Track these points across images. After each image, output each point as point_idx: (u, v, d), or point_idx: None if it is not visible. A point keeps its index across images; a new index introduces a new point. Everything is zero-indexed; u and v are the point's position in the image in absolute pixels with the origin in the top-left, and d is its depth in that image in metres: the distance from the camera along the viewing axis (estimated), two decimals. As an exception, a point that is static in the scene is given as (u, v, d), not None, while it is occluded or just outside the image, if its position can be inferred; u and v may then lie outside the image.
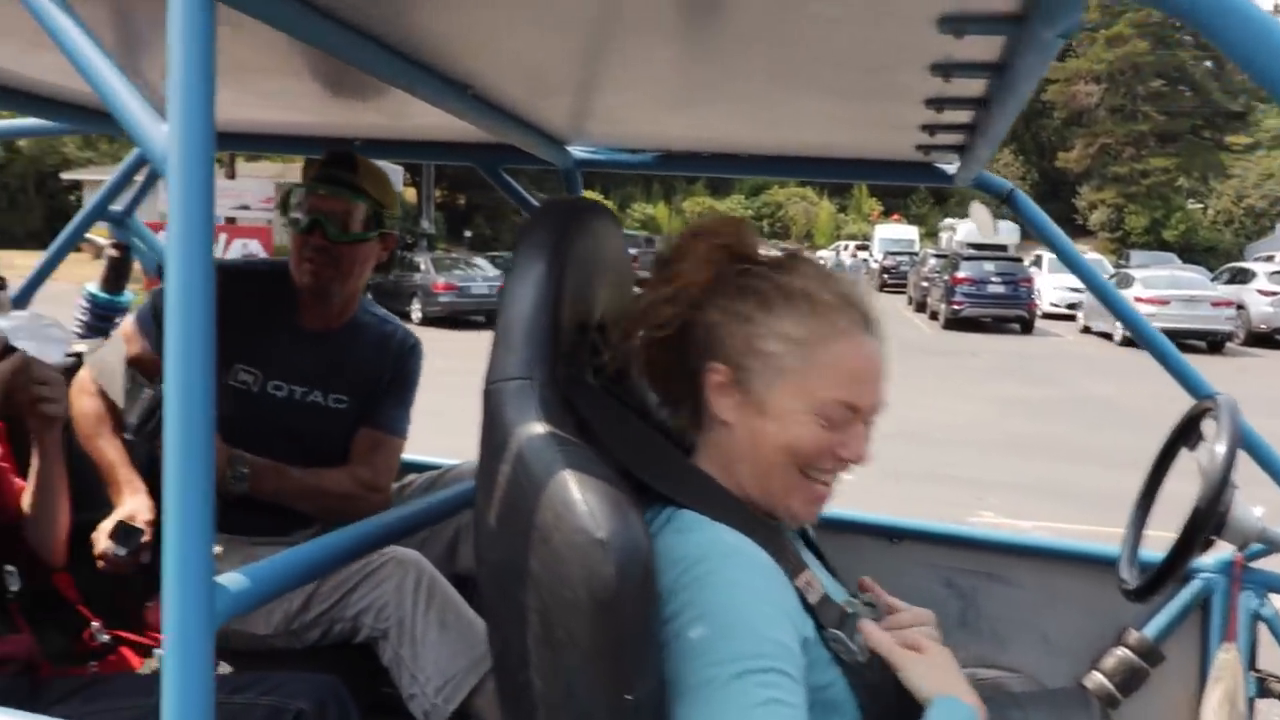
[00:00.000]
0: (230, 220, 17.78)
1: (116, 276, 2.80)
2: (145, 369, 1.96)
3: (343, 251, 2.09)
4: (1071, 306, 22.96)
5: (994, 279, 20.98)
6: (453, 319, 18.41)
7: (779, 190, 49.63)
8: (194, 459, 0.89)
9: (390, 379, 2.23)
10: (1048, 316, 23.11)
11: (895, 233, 39.29)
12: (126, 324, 2.18)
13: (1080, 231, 47.44)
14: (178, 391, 0.91)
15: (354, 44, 1.30)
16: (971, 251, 23.08)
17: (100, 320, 2.82)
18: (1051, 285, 23.50)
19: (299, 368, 2.15)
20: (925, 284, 24.23)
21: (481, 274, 20.01)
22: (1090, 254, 28.79)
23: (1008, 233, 35.16)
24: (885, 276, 32.34)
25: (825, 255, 34.10)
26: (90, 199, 2.88)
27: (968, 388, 12.96)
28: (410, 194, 26.74)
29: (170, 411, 0.90)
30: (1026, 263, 23.36)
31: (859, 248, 43.37)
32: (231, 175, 20.63)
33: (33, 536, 1.74)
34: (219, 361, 1.94)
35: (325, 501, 2.09)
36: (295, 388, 2.14)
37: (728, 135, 2.17)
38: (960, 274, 21.21)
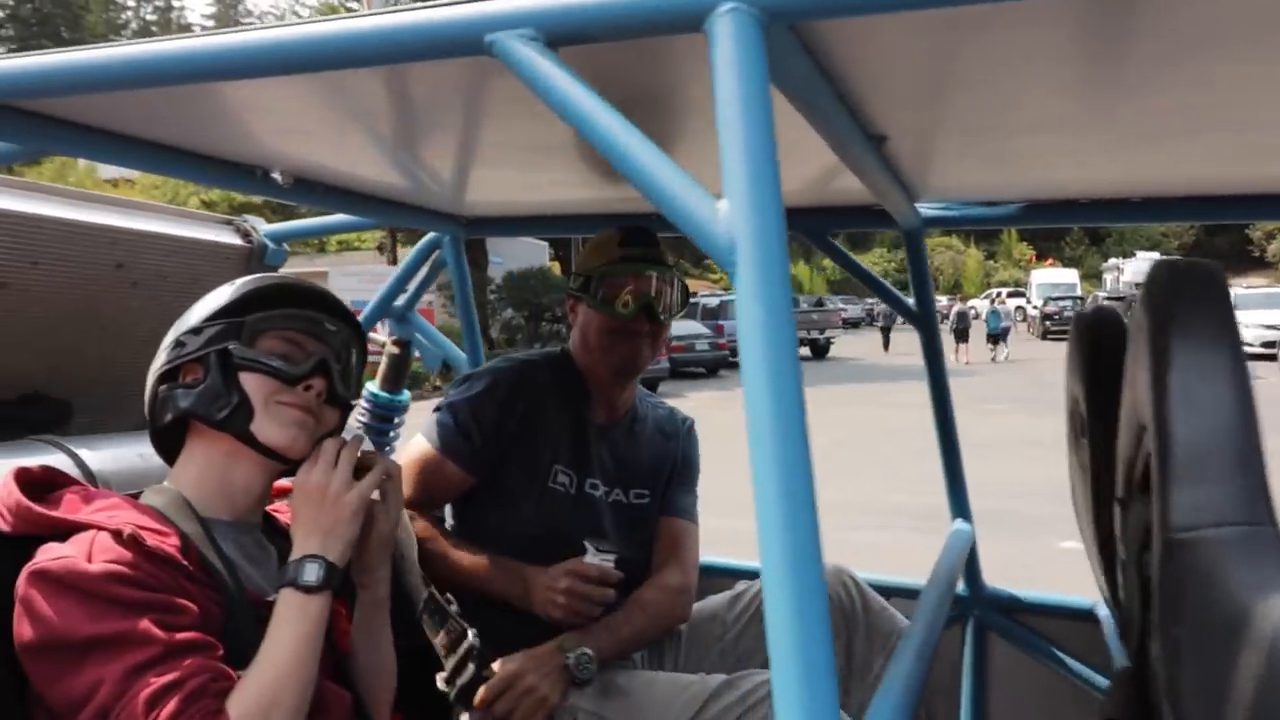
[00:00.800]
0: (394, 304, 18.34)
1: (397, 375, 2.64)
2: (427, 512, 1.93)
3: (659, 331, 1.98)
4: (1269, 345, 21.15)
5: (1180, 320, 19.53)
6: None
7: (923, 241, 48.39)
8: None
9: (679, 463, 2.12)
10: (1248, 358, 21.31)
11: (1054, 277, 37.56)
12: (416, 452, 1.95)
13: (1256, 264, 44.31)
14: (781, 494, 0.76)
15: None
16: (1150, 292, 21.60)
17: (380, 421, 2.66)
18: (1246, 323, 21.75)
19: (603, 464, 2.00)
20: (1098, 329, 22.78)
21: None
22: (1268, 288, 26.65)
23: (1180, 270, 33.03)
24: (1047, 323, 30.85)
25: (977, 304, 32.78)
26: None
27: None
28: (555, 267, 27.24)
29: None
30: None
31: (1011, 294, 41.75)
32: (393, 261, 21.47)
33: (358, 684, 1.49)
34: (541, 462, 1.83)
35: (655, 634, 1.94)
36: (602, 485, 2.00)
37: (1114, 177, 1.84)
38: (1141, 316, 19.86)
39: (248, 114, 1.42)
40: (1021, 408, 15.10)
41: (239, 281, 1.43)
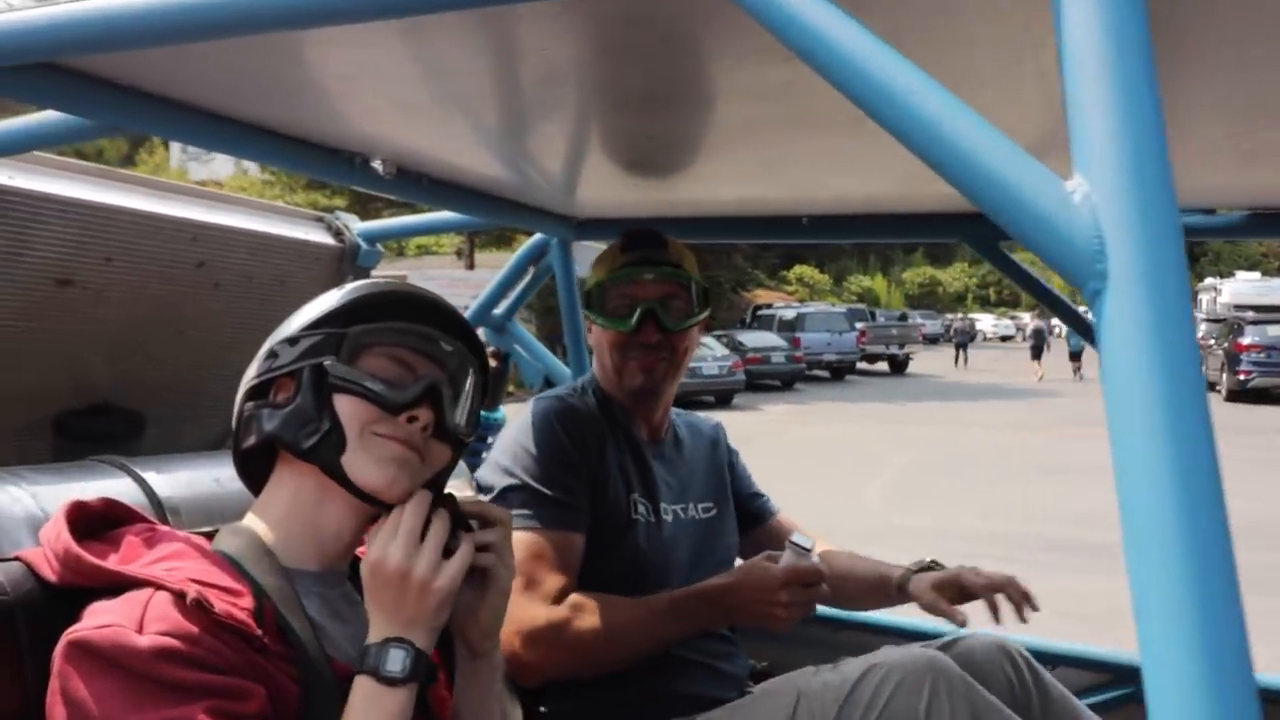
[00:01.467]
0: (467, 309, 18.39)
1: (493, 390, 2.41)
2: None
3: (675, 342, 1.76)
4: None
5: (1289, 344, 18.57)
6: (682, 401, 18.17)
7: (1005, 256, 47.14)
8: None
9: (734, 465, 2.01)
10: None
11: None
12: (525, 548, 1.59)
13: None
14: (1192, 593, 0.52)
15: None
16: (1256, 315, 20.65)
17: (475, 440, 2.43)
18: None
19: (667, 485, 1.82)
20: (1196, 352, 21.82)
21: (711, 353, 19.77)
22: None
23: (1283, 291, 31.55)
24: (1136, 344, 29.57)
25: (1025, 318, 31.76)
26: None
27: (1290, 473, 11.14)
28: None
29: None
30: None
31: (1097, 313, 40.24)
32: (471, 266, 21.55)
33: None
34: (620, 496, 1.70)
35: None
36: (671, 507, 1.80)
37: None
38: (1245, 340, 18.94)
39: (341, 87, 1.20)
40: (1116, 432, 14.37)
41: (349, 286, 1.19)
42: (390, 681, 1.01)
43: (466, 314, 2.38)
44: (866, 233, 2.06)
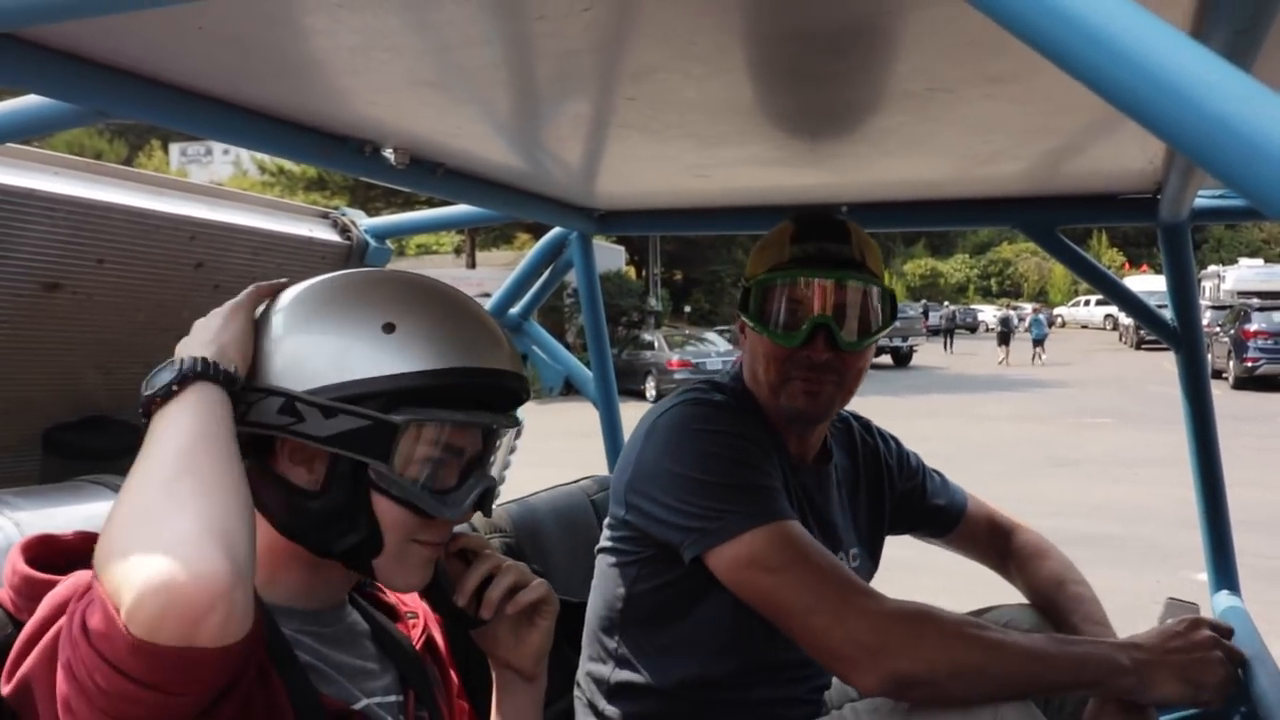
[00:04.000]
0: (472, 308, 18.26)
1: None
2: None
3: (849, 362, 1.48)
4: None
5: (1296, 331, 18.46)
6: (688, 396, 18.10)
7: (1006, 246, 46.97)
8: None
9: (893, 468, 1.74)
10: (1362, 371, 20.01)
11: (1148, 285, 36.05)
12: (783, 541, 1.35)
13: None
14: None
15: None
16: (1262, 302, 20.53)
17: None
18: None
19: (813, 523, 1.54)
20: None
21: (714, 348, 19.68)
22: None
23: (1287, 277, 31.38)
24: (1142, 333, 29.60)
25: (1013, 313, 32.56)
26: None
27: (1300, 461, 11.00)
28: (630, 273, 26.98)
29: None
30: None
31: (1100, 302, 40.21)
32: (472, 265, 21.40)
33: None
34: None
35: None
36: (851, 551, 1.60)
37: None
38: (1252, 326, 18.83)
39: (347, 66, 1.07)
40: (1124, 422, 14.26)
41: (414, 342, 0.95)
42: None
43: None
44: (914, 220, 1.92)
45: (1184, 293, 1.73)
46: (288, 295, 1.03)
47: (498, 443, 1.03)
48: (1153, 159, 1.44)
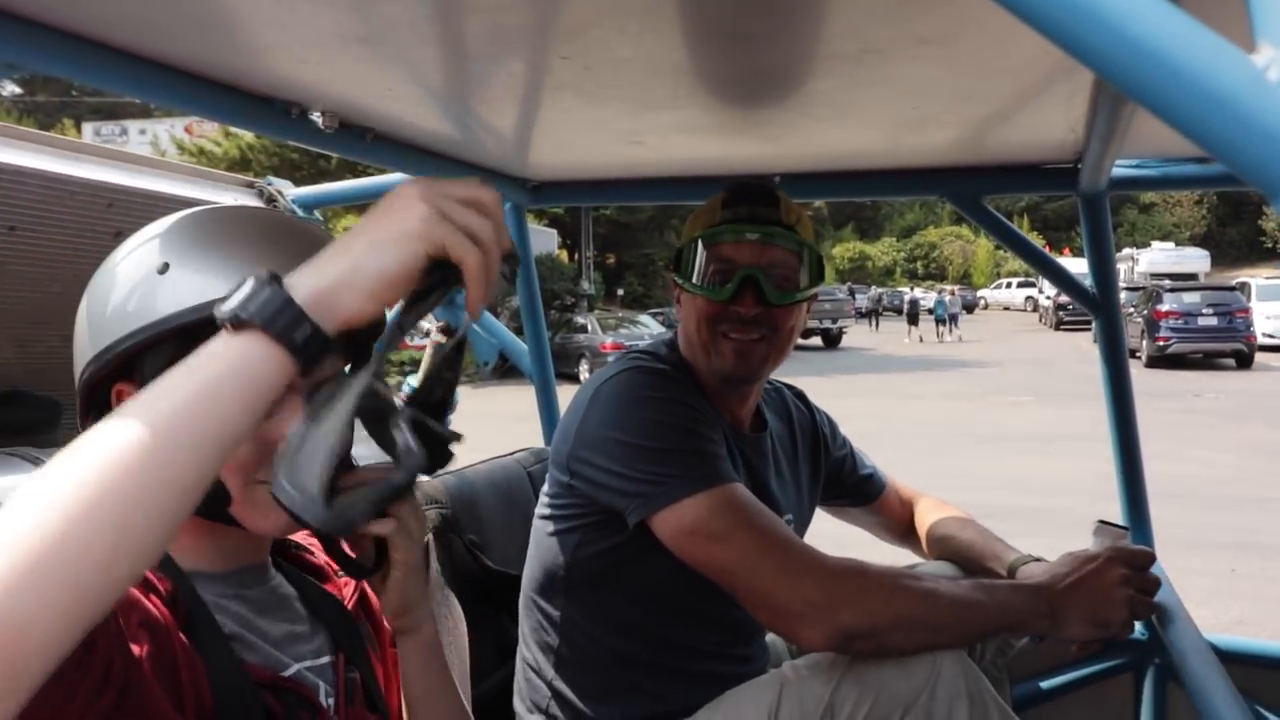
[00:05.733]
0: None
1: (448, 368, 2.25)
2: None
3: (778, 318, 1.50)
4: (1282, 336, 20.78)
5: (1204, 311, 19.20)
6: (621, 380, 18.14)
7: (932, 230, 47.92)
8: None
9: (828, 450, 1.78)
10: (1263, 349, 20.94)
11: (1072, 266, 37.19)
12: (727, 503, 1.36)
13: (1269, 255, 43.83)
14: None
15: None
16: (1173, 283, 21.30)
17: (425, 422, 2.27)
18: (1264, 315, 21.33)
19: (750, 488, 1.54)
20: (1118, 320, 22.48)
21: (648, 331, 19.72)
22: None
23: (1196, 259, 32.64)
24: (1061, 314, 30.59)
25: (922, 295, 34.05)
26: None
27: (1207, 434, 11.50)
28: (562, 256, 26.85)
29: None
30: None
31: (1021, 284, 41.29)
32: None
33: None
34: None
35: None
36: (785, 517, 1.59)
37: None
38: (1164, 307, 19.55)
39: (272, 22, 1.04)
40: (1045, 400, 14.72)
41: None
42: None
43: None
44: (845, 190, 1.95)
45: (1102, 261, 1.79)
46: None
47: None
48: (1074, 127, 1.49)
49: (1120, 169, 1.68)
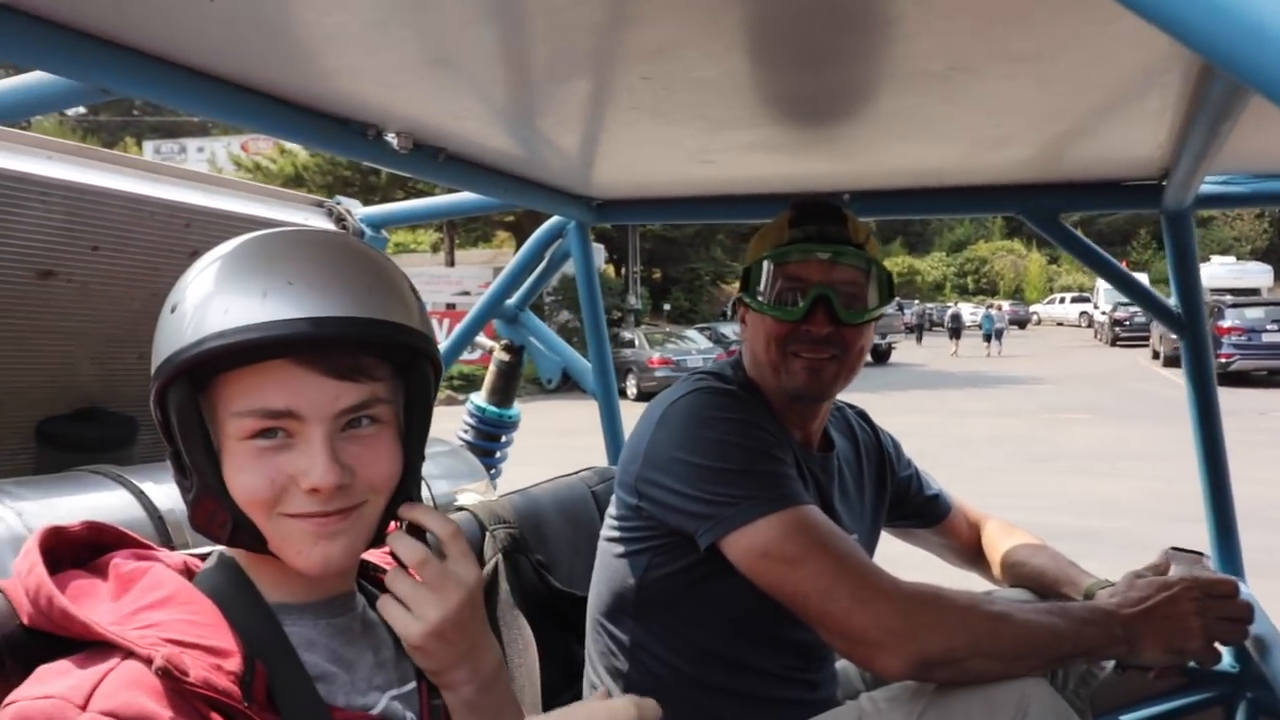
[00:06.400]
0: (450, 306, 18.21)
1: (506, 386, 2.26)
2: None
3: (849, 338, 1.49)
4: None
5: (1269, 326, 18.69)
6: (666, 395, 18.12)
7: (983, 245, 47.31)
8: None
9: (887, 457, 1.75)
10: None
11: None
12: (796, 527, 1.32)
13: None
14: None
15: None
16: (1235, 298, 20.79)
17: (485, 439, 2.28)
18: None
19: (844, 513, 1.56)
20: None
21: (695, 346, 19.72)
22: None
23: (1259, 274, 31.78)
24: (1117, 329, 29.96)
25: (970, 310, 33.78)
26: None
27: (1275, 454, 11.14)
28: (609, 271, 26.94)
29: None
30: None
31: (1075, 299, 40.55)
32: (451, 263, 21.29)
33: None
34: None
35: None
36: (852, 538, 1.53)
37: None
38: (1226, 323, 19.05)
39: (349, 45, 1.05)
40: (1103, 417, 14.40)
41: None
42: None
43: (476, 306, 2.23)
44: (915, 208, 1.92)
45: (1187, 278, 1.74)
46: None
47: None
48: (1161, 143, 1.44)
49: (1207, 185, 1.63)
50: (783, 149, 1.57)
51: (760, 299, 1.50)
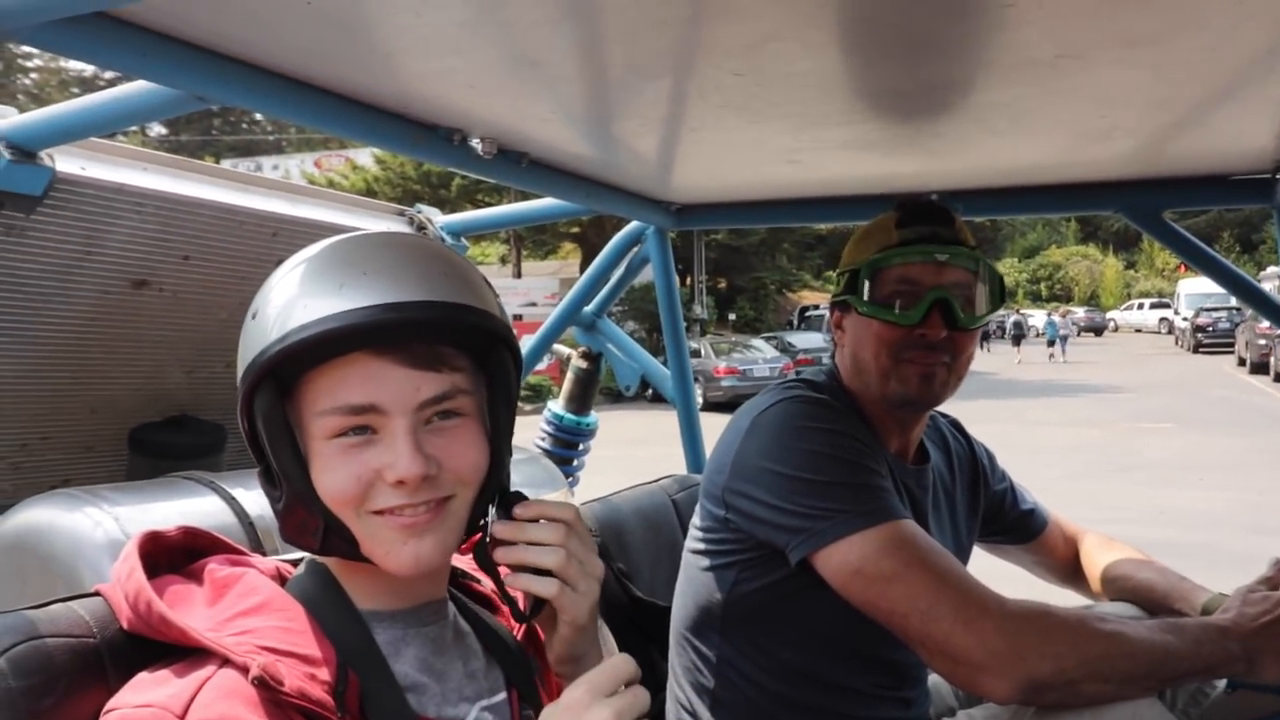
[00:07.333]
0: (518, 317, 18.41)
1: (584, 394, 2.25)
2: None
3: (961, 343, 1.42)
4: None
5: (1369, 332, 17.91)
6: (734, 403, 18.01)
7: (1056, 250, 46.20)
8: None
9: (980, 466, 1.69)
10: None
11: (1206, 287, 35.23)
12: (896, 542, 1.27)
13: None
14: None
15: None
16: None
17: (563, 447, 2.27)
18: None
19: (936, 527, 1.50)
20: (1264, 341, 21.15)
21: (761, 355, 19.59)
22: None
23: (1351, 278, 30.48)
24: (1199, 336, 28.96)
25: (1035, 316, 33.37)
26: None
27: (1383, 466, 10.64)
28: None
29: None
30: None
31: (1155, 305, 39.34)
32: (518, 274, 21.51)
33: None
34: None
35: None
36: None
37: None
38: (1324, 328, 18.26)
39: (436, 52, 1.04)
40: (1187, 426, 13.91)
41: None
42: None
43: (554, 312, 2.22)
44: (1008, 207, 1.85)
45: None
46: None
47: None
48: (1276, 134, 1.37)
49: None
50: (872, 146, 1.53)
51: (872, 302, 1.43)
